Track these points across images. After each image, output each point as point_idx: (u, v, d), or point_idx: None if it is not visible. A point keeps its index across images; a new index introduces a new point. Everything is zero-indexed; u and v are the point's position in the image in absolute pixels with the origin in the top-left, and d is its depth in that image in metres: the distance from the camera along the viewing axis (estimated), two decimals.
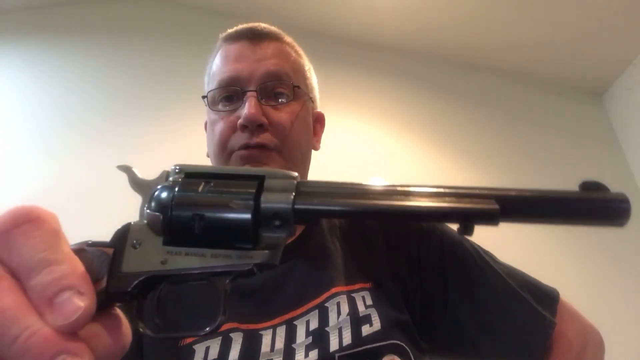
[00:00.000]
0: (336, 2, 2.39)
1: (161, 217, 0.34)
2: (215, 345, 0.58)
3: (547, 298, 0.68)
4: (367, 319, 0.61)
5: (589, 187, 0.36)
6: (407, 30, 2.50)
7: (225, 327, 0.60)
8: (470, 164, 2.37)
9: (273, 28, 0.77)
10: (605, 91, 2.73)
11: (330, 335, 0.59)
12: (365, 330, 0.60)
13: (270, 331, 0.60)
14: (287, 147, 0.69)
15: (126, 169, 0.38)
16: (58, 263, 0.28)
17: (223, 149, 0.69)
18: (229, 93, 0.71)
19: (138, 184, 0.37)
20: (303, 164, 0.74)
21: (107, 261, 0.33)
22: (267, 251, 0.33)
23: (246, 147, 0.67)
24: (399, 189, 0.34)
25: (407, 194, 0.34)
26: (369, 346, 0.59)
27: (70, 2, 2.29)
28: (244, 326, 0.61)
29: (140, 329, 0.34)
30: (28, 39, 2.21)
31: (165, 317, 0.61)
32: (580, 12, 2.32)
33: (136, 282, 0.32)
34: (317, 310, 0.62)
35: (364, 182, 0.35)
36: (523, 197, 0.35)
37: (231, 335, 0.59)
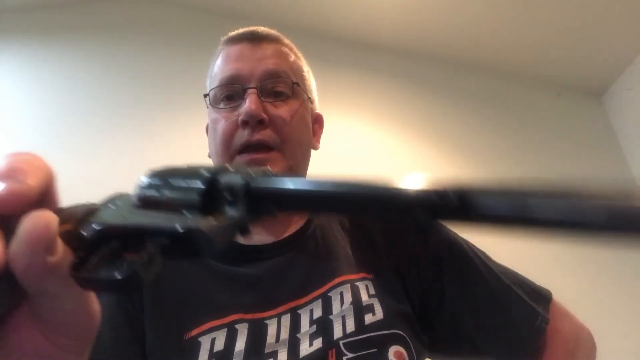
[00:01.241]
0: (336, 2, 2.40)
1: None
2: (221, 337, 0.59)
3: (540, 296, 0.71)
4: (370, 308, 0.62)
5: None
6: (407, 30, 2.50)
7: (230, 318, 0.61)
8: (470, 164, 2.37)
9: (272, 31, 0.79)
10: (605, 91, 2.73)
11: (334, 323, 0.60)
12: (368, 318, 0.61)
13: (275, 320, 0.61)
14: (287, 144, 0.70)
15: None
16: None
17: (226, 148, 0.70)
18: (230, 91, 0.73)
19: None
20: (304, 162, 0.75)
21: (87, 211, 0.34)
22: (211, 224, 0.31)
23: (247, 145, 0.68)
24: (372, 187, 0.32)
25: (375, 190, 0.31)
26: (372, 334, 0.60)
27: (70, 2, 2.29)
28: (249, 316, 0.61)
29: (72, 273, 0.31)
30: (28, 39, 2.21)
31: (169, 308, 0.62)
32: (580, 13, 2.32)
33: (96, 228, 0.32)
34: (320, 300, 0.63)
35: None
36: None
37: (236, 326, 0.60)
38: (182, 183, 0.33)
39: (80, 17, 2.31)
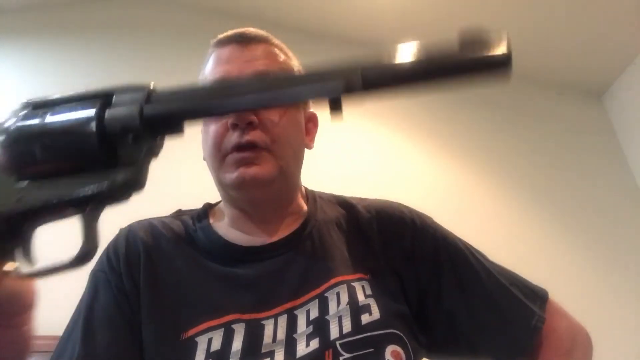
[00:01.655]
0: (336, 2, 2.39)
1: (3, 154, 0.32)
2: (217, 337, 0.59)
3: (536, 295, 0.71)
4: (367, 308, 0.63)
5: (468, 41, 0.30)
6: (407, 31, 2.50)
7: (227, 318, 0.61)
8: (469, 163, 2.37)
9: (261, 31, 0.78)
10: (605, 91, 2.73)
11: (331, 324, 0.60)
12: (365, 319, 0.61)
13: (272, 321, 0.61)
14: (277, 144, 0.69)
15: None
16: None
17: (217, 150, 0.69)
18: None
19: None
20: (295, 162, 0.74)
21: None
22: (127, 169, 0.31)
23: (238, 147, 0.67)
24: (262, 80, 0.33)
25: (270, 84, 0.32)
26: (368, 334, 0.60)
27: (70, 2, 2.29)
28: (245, 316, 0.61)
29: (12, 269, 0.32)
30: (28, 39, 2.22)
31: (166, 308, 0.62)
32: (580, 13, 2.32)
33: None
34: (317, 300, 0.63)
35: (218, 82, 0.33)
36: (389, 65, 0.31)
37: (233, 326, 0.60)
38: (69, 135, 0.31)
39: (81, 17, 2.31)
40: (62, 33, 2.26)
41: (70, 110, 0.32)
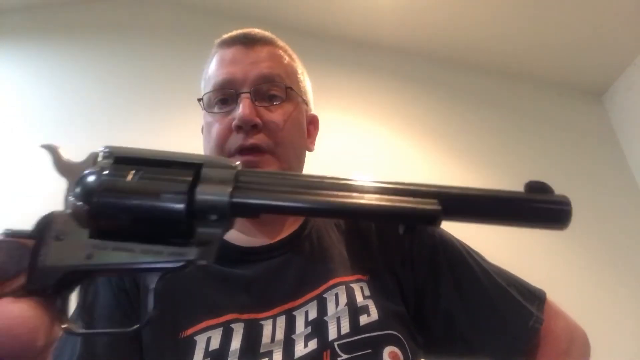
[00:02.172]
0: (336, 2, 2.39)
1: (86, 207, 0.31)
2: (216, 336, 0.59)
3: (534, 296, 0.71)
4: (365, 310, 0.63)
5: (534, 188, 0.36)
6: (407, 31, 2.50)
7: (226, 317, 0.61)
8: (469, 164, 2.37)
9: (266, 33, 0.79)
10: (605, 91, 2.73)
11: (329, 325, 0.61)
12: (363, 320, 0.61)
13: (270, 321, 0.61)
14: (280, 147, 0.70)
15: (49, 149, 0.34)
16: None
17: (220, 151, 0.70)
18: (224, 95, 0.73)
19: (63, 167, 0.34)
20: (298, 165, 0.75)
21: (26, 254, 0.30)
22: (201, 248, 0.31)
23: (241, 149, 0.68)
24: (342, 182, 0.33)
25: (350, 189, 0.33)
26: (366, 335, 0.60)
27: (70, 2, 2.29)
28: (244, 316, 0.62)
29: (65, 326, 0.32)
30: (28, 39, 2.22)
31: (166, 307, 0.62)
32: (580, 13, 2.32)
33: (59, 277, 0.30)
34: (315, 301, 0.63)
35: (306, 174, 0.34)
36: (465, 196, 0.35)
37: (232, 325, 0.60)
38: (159, 206, 0.30)
39: (81, 17, 2.31)
40: (62, 33, 2.26)
41: (160, 178, 0.31)
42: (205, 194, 0.31)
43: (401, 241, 0.73)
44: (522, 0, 2.30)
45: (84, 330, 0.33)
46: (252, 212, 0.33)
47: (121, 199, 0.31)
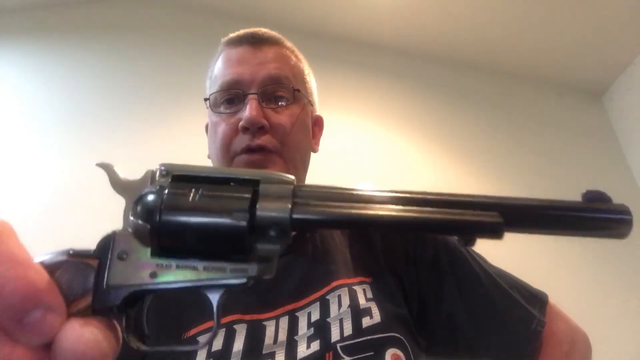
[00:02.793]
0: (336, 2, 2.39)
1: (148, 227, 0.31)
2: (219, 337, 0.59)
3: (536, 299, 0.71)
4: (368, 312, 0.63)
5: (592, 197, 0.35)
6: (408, 31, 2.50)
7: (228, 318, 0.61)
8: (470, 164, 2.37)
9: (274, 33, 0.78)
10: (605, 91, 2.73)
11: (332, 326, 0.61)
12: (366, 322, 0.61)
13: (273, 322, 0.61)
14: (287, 149, 0.70)
15: (106, 167, 0.35)
16: (20, 279, 0.26)
17: (226, 152, 0.70)
18: (231, 96, 0.73)
19: (120, 185, 0.34)
20: (303, 166, 0.75)
21: (91, 274, 0.30)
22: (261, 264, 0.31)
23: (248, 149, 0.68)
24: (400, 195, 0.33)
25: (409, 202, 0.32)
26: (369, 337, 0.60)
27: (70, 2, 2.29)
28: (247, 317, 0.62)
29: (132, 344, 0.32)
30: (28, 40, 2.21)
31: (168, 307, 0.62)
32: (580, 13, 2.32)
33: (124, 296, 0.30)
34: (318, 303, 0.63)
35: (361, 187, 0.34)
36: (525, 207, 0.35)
37: (235, 327, 0.60)
38: (221, 223, 0.31)
39: (81, 17, 2.31)
40: (62, 33, 2.26)
41: (221, 196, 0.32)
42: (266, 210, 0.31)
43: (404, 244, 0.73)
44: (522, 0, 2.30)
45: (147, 348, 0.34)
46: (310, 228, 0.34)
47: (185, 217, 0.31)
